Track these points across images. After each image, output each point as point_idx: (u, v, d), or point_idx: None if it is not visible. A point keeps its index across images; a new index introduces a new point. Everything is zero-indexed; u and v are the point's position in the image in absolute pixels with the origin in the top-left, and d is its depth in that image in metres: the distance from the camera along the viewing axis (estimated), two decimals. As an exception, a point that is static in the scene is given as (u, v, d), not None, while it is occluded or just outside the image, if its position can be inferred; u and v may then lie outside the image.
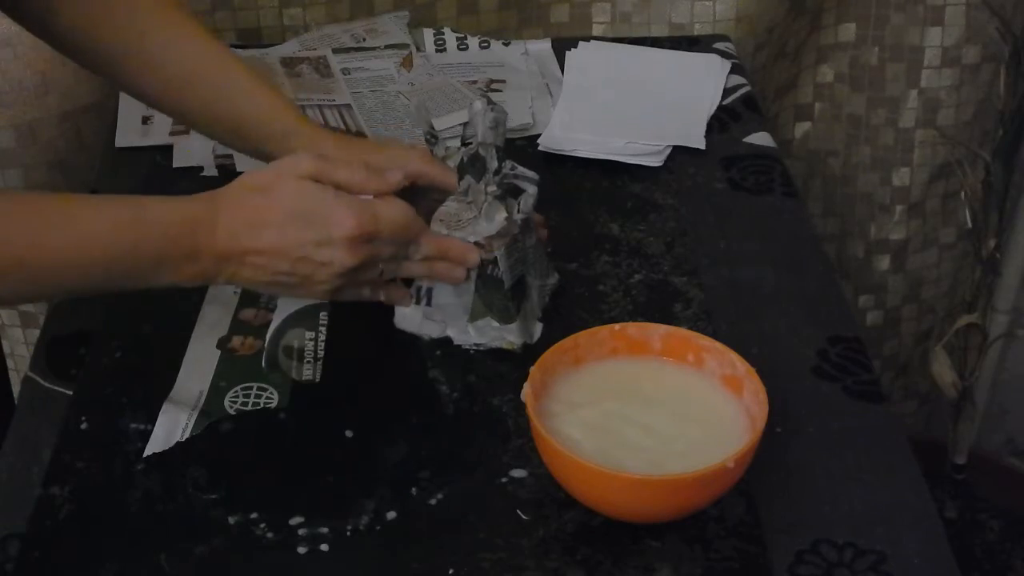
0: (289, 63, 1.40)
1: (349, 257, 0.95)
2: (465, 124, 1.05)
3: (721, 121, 1.35)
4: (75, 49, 1.10)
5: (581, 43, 1.47)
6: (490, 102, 1.04)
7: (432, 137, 1.10)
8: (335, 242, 0.94)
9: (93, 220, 0.91)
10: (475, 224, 1.02)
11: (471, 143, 1.03)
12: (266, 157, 1.10)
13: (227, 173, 1.26)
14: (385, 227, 0.96)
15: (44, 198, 0.94)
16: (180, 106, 1.11)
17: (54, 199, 0.94)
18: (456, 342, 1.05)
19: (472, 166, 1.03)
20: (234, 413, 0.99)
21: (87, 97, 1.46)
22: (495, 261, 1.01)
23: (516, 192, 1.05)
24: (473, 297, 1.03)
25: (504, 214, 1.02)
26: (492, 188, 1.03)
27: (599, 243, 1.17)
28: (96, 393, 1.02)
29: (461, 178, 1.03)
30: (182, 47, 1.08)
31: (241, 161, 1.26)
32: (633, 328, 0.96)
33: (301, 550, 0.89)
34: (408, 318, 1.05)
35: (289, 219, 0.94)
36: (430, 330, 1.05)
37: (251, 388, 1.01)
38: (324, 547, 0.89)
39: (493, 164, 1.03)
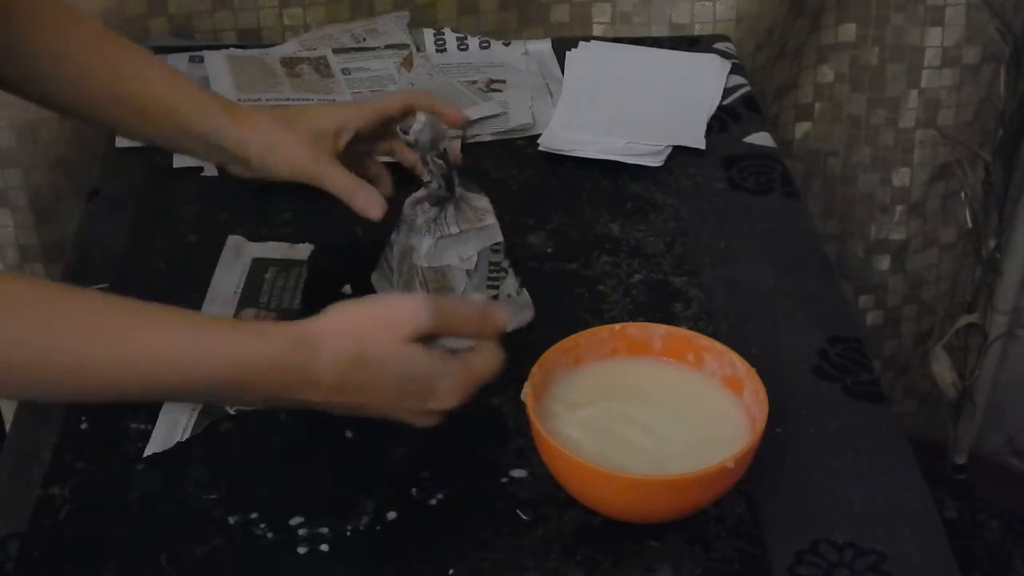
0: (289, 63, 1.40)
1: (440, 419, 0.90)
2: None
3: (721, 121, 1.35)
4: (52, 99, 1.07)
5: (581, 43, 1.47)
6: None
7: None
8: (432, 413, 0.88)
9: (150, 345, 0.81)
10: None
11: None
12: (194, 147, 1.09)
13: (227, 173, 1.25)
14: (483, 381, 0.91)
15: (101, 305, 0.83)
16: (81, 96, 1.05)
17: (109, 308, 0.82)
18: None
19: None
20: (234, 413, 0.99)
21: (87, 97, 1.45)
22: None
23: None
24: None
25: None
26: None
27: (599, 243, 1.17)
28: (96, 393, 1.02)
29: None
30: (75, 37, 1.04)
31: (241, 161, 1.26)
32: (633, 328, 0.96)
33: (301, 550, 0.89)
34: None
35: (390, 386, 0.86)
36: None
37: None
38: (324, 547, 0.89)
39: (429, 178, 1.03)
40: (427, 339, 0.86)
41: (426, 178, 1.02)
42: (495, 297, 1.05)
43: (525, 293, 1.07)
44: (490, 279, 1.05)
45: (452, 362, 0.88)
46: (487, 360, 0.90)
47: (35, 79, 1.05)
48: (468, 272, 1.03)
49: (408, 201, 1.05)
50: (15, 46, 1.02)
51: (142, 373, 0.81)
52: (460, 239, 1.03)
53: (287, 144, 1.07)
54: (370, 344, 0.84)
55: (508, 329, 0.93)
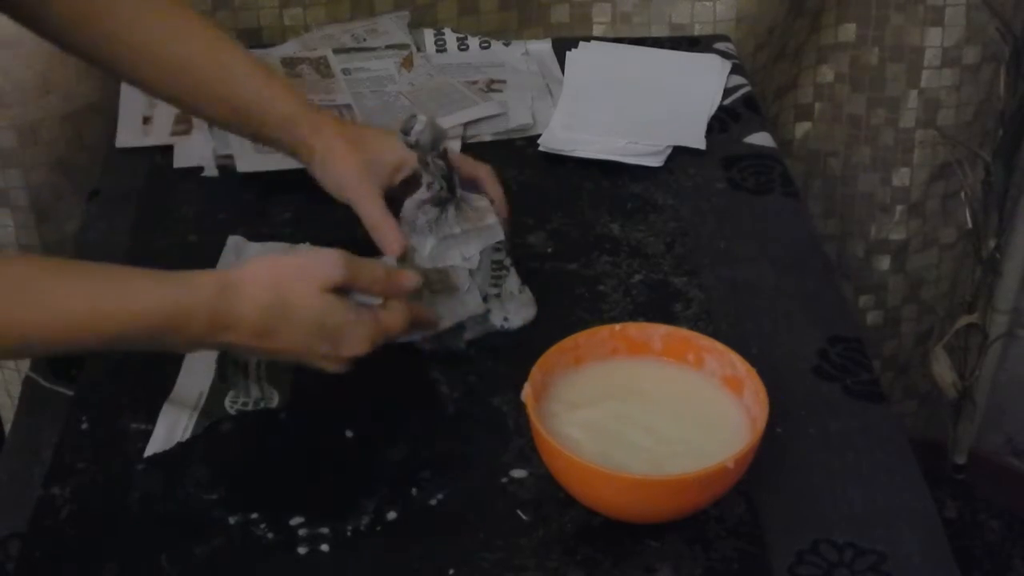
0: (289, 63, 1.40)
1: (349, 366, 0.95)
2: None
3: (721, 121, 1.35)
4: (67, 40, 1.09)
5: (581, 43, 1.47)
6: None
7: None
8: (343, 359, 0.94)
9: (72, 301, 0.87)
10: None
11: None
12: (267, 141, 1.11)
13: (227, 173, 1.26)
14: (390, 337, 0.97)
15: (24, 266, 0.90)
16: (176, 90, 1.10)
17: (33, 269, 0.90)
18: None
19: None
20: (234, 413, 0.99)
21: (88, 97, 1.46)
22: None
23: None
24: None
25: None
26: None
27: (599, 243, 1.17)
28: (96, 393, 1.02)
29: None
30: (176, 31, 1.08)
31: (242, 162, 1.26)
32: (633, 328, 0.96)
33: (301, 550, 0.89)
34: None
35: (304, 331, 0.92)
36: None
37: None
38: (324, 547, 0.89)
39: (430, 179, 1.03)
40: (340, 292, 0.93)
41: (427, 179, 1.02)
42: (498, 296, 1.05)
43: (527, 291, 1.07)
44: (493, 277, 1.05)
45: (363, 313, 0.94)
46: (395, 316, 0.96)
47: (124, 64, 1.09)
48: (471, 272, 1.04)
49: (408, 202, 1.05)
50: (110, 26, 1.07)
51: (78, 327, 0.87)
52: (462, 239, 1.03)
53: (342, 163, 1.09)
54: (288, 291, 0.91)
55: (460, 316, 1.03)
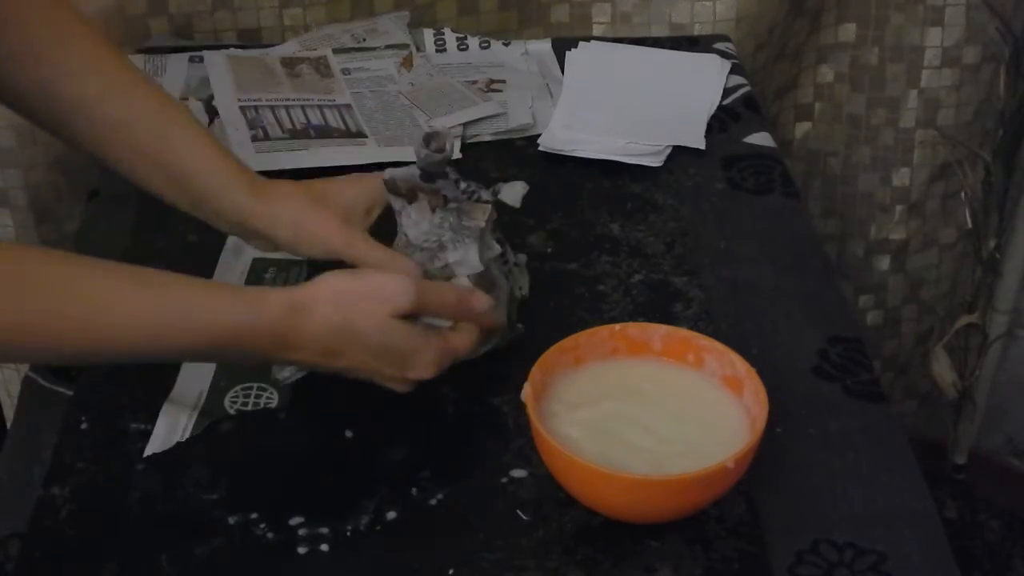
0: (289, 63, 1.40)
1: (414, 387, 0.96)
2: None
3: (721, 121, 1.35)
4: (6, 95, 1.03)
5: (581, 43, 1.47)
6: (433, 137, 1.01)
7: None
8: (409, 381, 0.95)
9: (140, 312, 0.87)
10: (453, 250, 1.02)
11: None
12: (206, 214, 1.05)
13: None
14: (458, 358, 0.97)
15: (88, 269, 0.88)
16: (111, 151, 1.04)
17: (98, 274, 0.88)
18: None
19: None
20: (234, 413, 0.99)
21: (87, 97, 1.45)
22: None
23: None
24: None
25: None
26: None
27: (599, 243, 1.17)
28: (96, 393, 1.02)
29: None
30: (119, 88, 1.03)
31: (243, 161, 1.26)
32: (633, 328, 0.96)
33: (301, 550, 0.89)
34: None
35: (371, 354, 0.93)
36: None
37: (251, 388, 1.01)
38: (324, 547, 0.89)
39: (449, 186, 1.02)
40: (410, 317, 0.93)
41: (449, 188, 1.00)
42: (504, 262, 1.06)
43: (521, 257, 1.10)
44: (502, 254, 1.05)
45: (430, 337, 0.94)
46: (464, 338, 0.97)
47: (68, 125, 1.03)
48: (498, 256, 1.04)
49: (412, 231, 1.02)
50: (46, 88, 1.01)
51: (146, 338, 0.87)
52: (483, 234, 1.02)
53: (318, 223, 1.04)
54: (356, 315, 0.91)
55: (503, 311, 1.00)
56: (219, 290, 0.92)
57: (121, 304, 0.86)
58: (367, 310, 0.91)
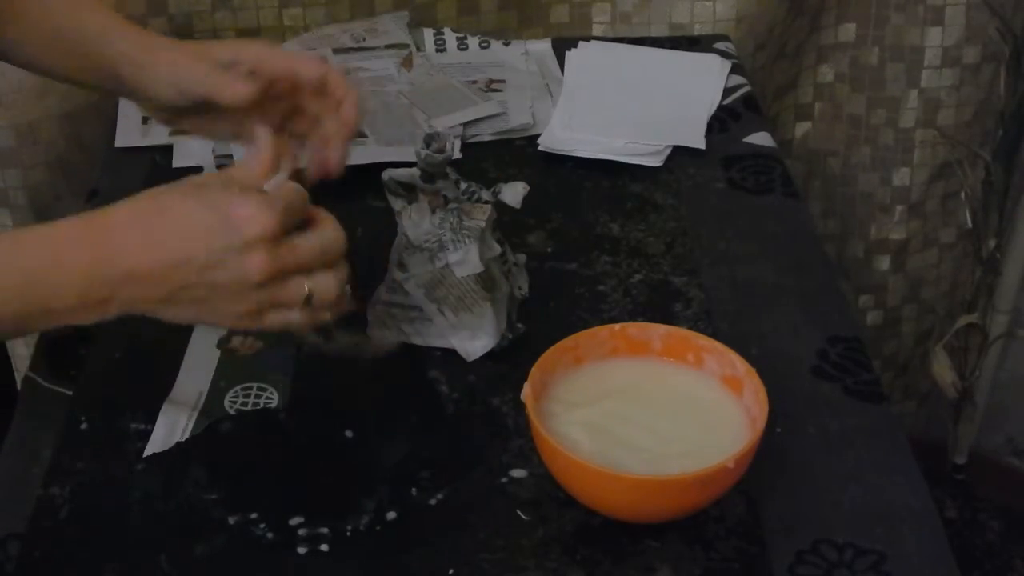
0: (289, 63, 1.40)
1: (265, 261, 0.82)
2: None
3: (721, 121, 1.35)
4: None
5: (581, 43, 1.47)
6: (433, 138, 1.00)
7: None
8: (248, 244, 0.82)
9: None
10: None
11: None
12: (86, 71, 1.04)
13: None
14: (292, 209, 0.85)
15: None
16: (50, 61, 1.05)
17: None
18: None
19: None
20: (234, 413, 0.99)
21: (87, 97, 1.46)
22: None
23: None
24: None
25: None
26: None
27: (599, 243, 1.17)
28: (96, 393, 1.02)
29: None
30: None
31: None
32: (633, 328, 0.96)
33: (301, 550, 0.89)
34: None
35: (195, 221, 0.82)
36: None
37: (251, 388, 1.01)
38: (324, 547, 0.89)
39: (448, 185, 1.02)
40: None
41: (449, 188, 1.01)
42: (504, 262, 1.06)
43: (520, 256, 1.10)
44: (501, 255, 1.05)
45: (253, 191, 0.84)
46: (299, 195, 0.86)
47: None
48: (498, 256, 1.04)
49: (412, 232, 1.02)
50: None
51: None
52: (483, 234, 1.03)
53: (193, 60, 1.00)
54: (162, 192, 0.84)
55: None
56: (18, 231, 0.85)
57: None
58: (174, 192, 0.84)
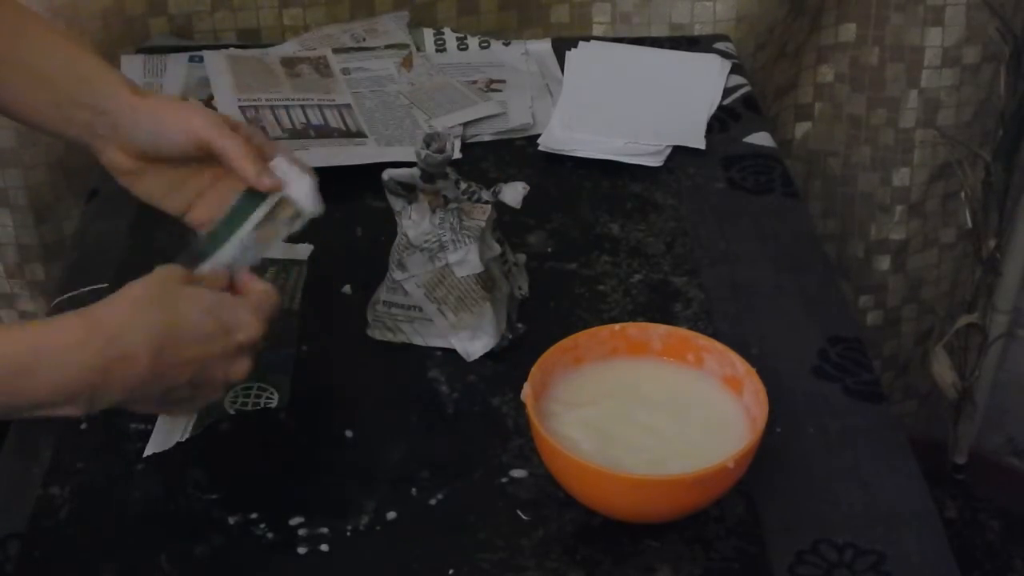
0: (289, 63, 1.40)
1: (250, 360, 0.89)
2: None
3: (721, 121, 1.35)
4: None
5: (581, 43, 1.47)
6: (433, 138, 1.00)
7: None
8: (242, 348, 0.88)
9: None
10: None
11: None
12: (64, 117, 0.99)
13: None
14: (273, 305, 0.92)
15: None
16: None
17: None
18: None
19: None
20: (234, 413, 0.99)
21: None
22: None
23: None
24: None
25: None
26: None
27: (599, 243, 1.17)
28: (96, 393, 1.02)
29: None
30: None
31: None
32: (633, 328, 0.96)
33: (301, 550, 0.89)
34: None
35: (196, 326, 0.86)
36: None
37: (251, 388, 1.01)
38: (324, 547, 0.89)
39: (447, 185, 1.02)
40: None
41: (450, 188, 1.01)
42: (504, 262, 1.06)
43: (520, 257, 1.10)
44: (501, 255, 1.05)
45: (231, 295, 0.90)
46: (263, 286, 0.92)
47: None
48: (498, 256, 1.04)
49: (412, 234, 1.02)
50: None
51: None
52: (483, 234, 1.02)
53: (182, 110, 1.00)
54: (159, 296, 0.85)
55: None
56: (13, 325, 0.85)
57: None
58: (162, 287, 0.86)
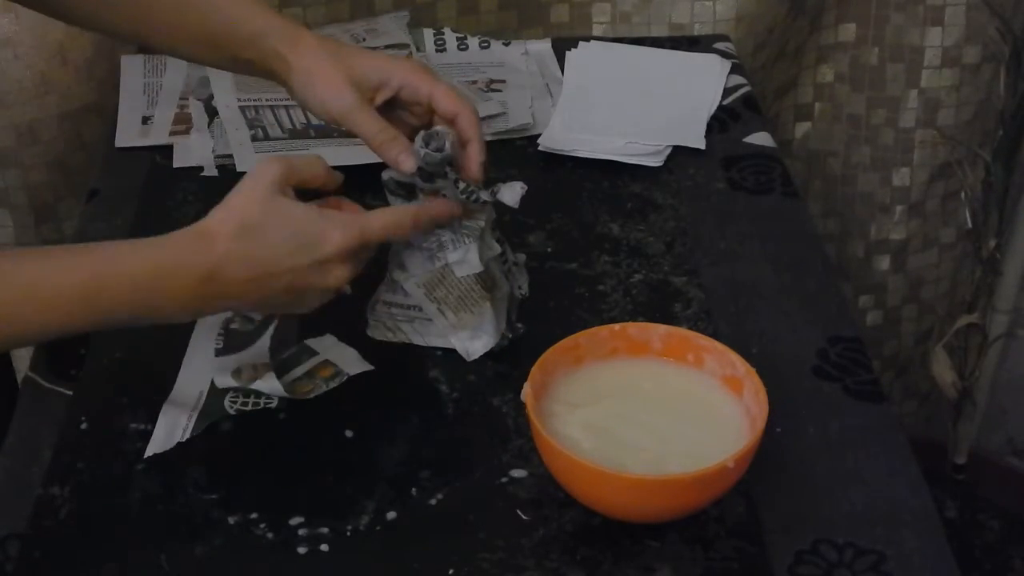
0: (289, 63, 1.40)
1: (343, 273, 0.94)
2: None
3: (721, 121, 1.35)
4: None
5: (581, 43, 1.47)
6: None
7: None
8: (330, 266, 0.92)
9: (54, 290, 0.86)
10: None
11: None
12: (242, 66, 1.06)
13: (227, 173, 1.26)
14: (373, 236, 0.95)
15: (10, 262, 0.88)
16: (145, 27, 1.06)
17: (8, 260, 0.87)
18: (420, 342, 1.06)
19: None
20: (234, 413, 0.99)
21: (87, 97, 1.46)
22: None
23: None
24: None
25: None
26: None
27: (599, 243, 1.17)
28: (96, 393, 1.02)
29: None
30: None
31: (242, 161, 1.26)
32: (633, 328, 0.96)
33: (301, 550, 0.89)
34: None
35: (283, 242, 0.91)
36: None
37: (251, 389, 1.01)
38: (324, 547, 0.89)
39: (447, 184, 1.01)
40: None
41: (448, 188, 1.00)
42: (504, 261, 1.06)
43: (520, 256, 1.10)
44: (501, 254, 1.05)
45: (331, 213, 0.93)
46: (374, 214, 0.95)
47: (86, 8, 1.06)
48: (498, 255, 1.04)
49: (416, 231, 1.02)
50: None
51: (82, 297, 0.87)
52: (483, 234, 1.02)
53: (327, 79, 1.03)
54: (247, 211, 0.90)
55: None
56: (133, 242, 0.91)
57: (47, 280, 0.86)
58: (253, 197, 0.91)
